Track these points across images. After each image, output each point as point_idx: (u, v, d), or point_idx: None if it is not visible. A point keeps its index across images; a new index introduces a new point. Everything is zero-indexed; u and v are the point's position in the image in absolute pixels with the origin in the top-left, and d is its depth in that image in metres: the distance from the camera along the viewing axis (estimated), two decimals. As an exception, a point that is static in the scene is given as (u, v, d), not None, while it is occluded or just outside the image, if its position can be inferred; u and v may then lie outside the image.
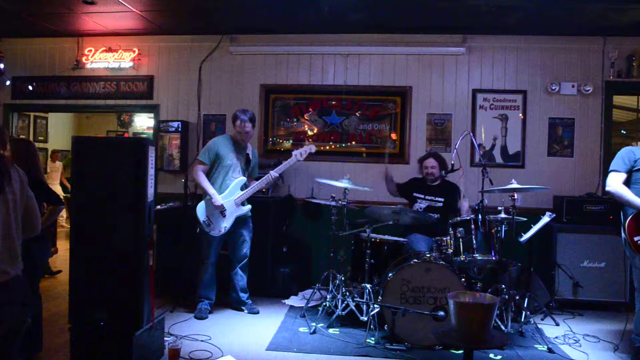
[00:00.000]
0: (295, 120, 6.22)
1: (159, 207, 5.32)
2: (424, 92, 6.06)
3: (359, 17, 5.54)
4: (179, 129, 6.15)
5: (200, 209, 4.75)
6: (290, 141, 6.20)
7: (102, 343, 3.36)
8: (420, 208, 5.07)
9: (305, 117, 6.21)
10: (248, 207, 4.86)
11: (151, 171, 3.50)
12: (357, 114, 6.13)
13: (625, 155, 3.97)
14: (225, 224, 4.72)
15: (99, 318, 3.35)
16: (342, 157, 6.12)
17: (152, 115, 6.70)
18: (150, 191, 3.50)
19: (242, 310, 4.92)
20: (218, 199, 4.66)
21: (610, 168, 4.02)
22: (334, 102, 6.16)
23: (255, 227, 5.02)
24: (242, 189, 4.79)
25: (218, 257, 4.86)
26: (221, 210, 4.68)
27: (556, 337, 4.41)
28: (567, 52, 5.94)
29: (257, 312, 4.89)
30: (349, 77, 6.13)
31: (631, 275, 4.07)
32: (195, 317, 4.67)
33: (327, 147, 6.17)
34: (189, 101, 6.32)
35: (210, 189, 4.69)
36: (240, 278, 4.93)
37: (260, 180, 4.82)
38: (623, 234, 3.88)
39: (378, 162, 6.06)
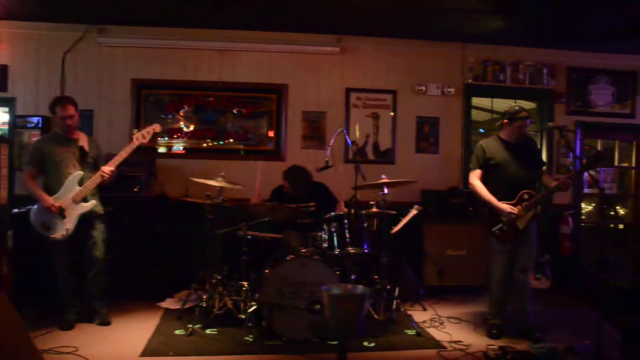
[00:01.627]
0: (170, 116, 6.01)
1: (15, 210, 4.87)
2: (299, 89, 6.15)
3: (235, 12, 5.48)
4: (40, 125, 5.66)
5: (34, 214, 4.30)
6: (165, 138, 5.99)
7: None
8: None
9: (181, 114, 6.03)
10: (92, 203, 4.40)
11: (4, 171, 3.20)
12: (234, 111, 6.07)
13: (477, 153, 4.41)
14: (68, 225, 4.28)
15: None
16: (218, 155, 6.03)
17: (6, 109, 6.10)
18: (4, 193, 3.20)
19: (94, 321, 4.49)
20: (46, 199, 4.24)
21: (470, 166, 4.45)
22: (210, 99, 6.04)
23: (126, 227, 4.77)
24: (80, 185, 4.35)
25: (73, 262, 4.45)
26: (60, 212, 4.26)
27: (424, 322, 4.71)
28: (432, 56, 6.36)
29: (108, 324, 4.48)
30: (225, 73, 6.05)
31: (488, 259, 4.51)
32: (60, 328, 4.32)
33: (204, 145, 6.05)
34: (51, 95, 5.80)
35: (37, 191, 4.29)
36: (94, 285, 4.51)
37: (95, 175, 4.37)
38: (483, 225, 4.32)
39: (256, 159, 6.07)
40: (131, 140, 4.57)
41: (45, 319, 4.52)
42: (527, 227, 4.24)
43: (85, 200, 4.38)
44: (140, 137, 4.52)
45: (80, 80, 5.88)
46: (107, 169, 4.35)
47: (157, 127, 4.63)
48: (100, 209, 4.54)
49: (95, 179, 4.36)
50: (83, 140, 4.53)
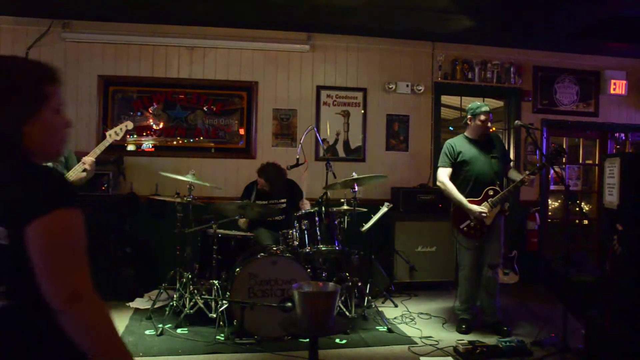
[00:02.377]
0: (138, 114, 5.92)
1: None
2: (269, 87, 6.13)
3: (204, 9, 5.42)
4: (2, 122, 5.51)
5: None
6: (134, 136, 5.89)
7: None
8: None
9: (150, 111, 5.94)
10: None
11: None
12: (204, 108, 6.01)
13: (447, 150, 4.45)
14: None
15: None
16: (188, 153, 5.96)
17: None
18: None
19: None
20: None
21: (438, 164, 4.49)
22: (179, 96, 5.97)
23: (94, 227, 4.64)
24: None
25: None
26: None
27: (395, 318, 4.76)
28: (402, 54, 6.40)
29: None
30: (194, 70, 5.99)
31: (457, 255, 4.59)
32: None
33: (174, 143, 5.97)
34: (13, 91, 5.69)
35: None
36: None
37: (75, 167, 4.20)
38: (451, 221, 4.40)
39: (226, 157, 6.03)
40: (103, 137, 4.45)
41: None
42: (495, 223, 4.32)
43: None
44: (114, 134, 4.43)
45: (45, 77, 5.73)
46: (89, 159, 4.21)
47: (129, 124, 4.55)
48: None
49: (76, 171, 4.21)
50: None
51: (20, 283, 1.27)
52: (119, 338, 1.30)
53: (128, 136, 5.88)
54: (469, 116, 4.47)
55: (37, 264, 1.24)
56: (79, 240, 1.29)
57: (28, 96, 1.34)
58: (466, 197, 4.29)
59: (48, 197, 1.28)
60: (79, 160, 4.36)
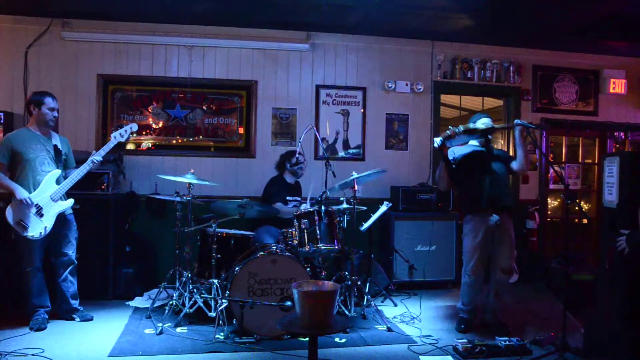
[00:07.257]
0: (138, 113, 5.92)
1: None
2: (269, 86, 6.13)
3: (204, 8, 5.42)
4: (1, 121, 5.50)
5: (9, 212, 4.16)
6: (134, 135, 5.88)
7: None
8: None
9: (149, 110, 5.94)
10: (70, 201, 4.38)
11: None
12: (203, 107, 6.01)
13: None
14: (46, 223, 4.20)
15: None
16: (187, 152, 5.96)
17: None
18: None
19: (74, 319, 4.49)
20: (21, 192, 4.12)
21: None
22: (179, 95, 5.97)
23: (94, 226, 4.70)
24: (58, 183, 4.30)
25: (43, 261, 4.35)
26: (37, 210, 4.17)
27: (394, 317, 4.76)
28: (401, 53, 6.40)
29: (91, 319, 4.51)
30: (194, 69, 5.98)
31: (460, 253, 4.58)
32: (32, 329, 4.18)
33: (173, 142, 5.97)
34: (13, 90, 5.69)
35: (11, 184, 4.15)
36: (70, 284, 4.48)
37: (80, 168, 4.33)
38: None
39: (226, 156, 6.03)
40: (105, 138, 4.49)
41: (8, 319, 4.42)
42: (504, 226, 4.29)
43: (63, 198, 4.34)
44: (118, 135, 4.48)
45: (45, 75, 5.73)
46: (98, 157, 4.35)
47: (134, 126, 4.59)
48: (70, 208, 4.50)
49: (77, 173, 4.31)
50: (56, 139, 4.46)
51: None
52: None
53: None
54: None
55: None
56: None
57: None
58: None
59: None
60: (75, 158, 4.41)
